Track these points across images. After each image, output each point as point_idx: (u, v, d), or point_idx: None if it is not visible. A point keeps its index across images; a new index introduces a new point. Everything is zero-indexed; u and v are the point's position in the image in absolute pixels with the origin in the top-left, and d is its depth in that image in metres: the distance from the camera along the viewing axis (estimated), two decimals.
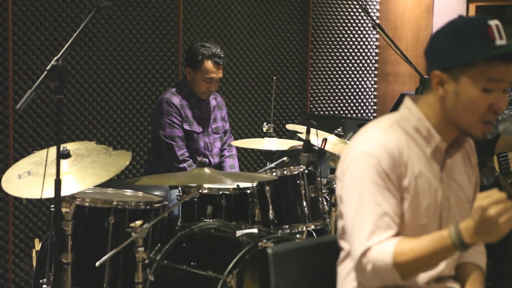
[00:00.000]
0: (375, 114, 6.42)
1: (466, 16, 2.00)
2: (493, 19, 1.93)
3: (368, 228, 1.90)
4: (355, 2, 6.07)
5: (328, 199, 3.80)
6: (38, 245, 3.59)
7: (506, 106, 1.98)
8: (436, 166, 2.02)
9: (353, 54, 6.24)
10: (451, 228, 1.80)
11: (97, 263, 2.94)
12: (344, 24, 6.15)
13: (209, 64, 4.34)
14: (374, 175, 1.92)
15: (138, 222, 2.91)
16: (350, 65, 6.24)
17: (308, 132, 3.57)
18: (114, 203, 3.25)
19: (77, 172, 2.99)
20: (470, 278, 2.10)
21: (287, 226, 3.50)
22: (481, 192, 1.76)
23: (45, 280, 3.20)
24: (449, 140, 2.04)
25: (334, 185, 3.76)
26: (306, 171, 3.53)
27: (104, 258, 2.95)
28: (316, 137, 3.61)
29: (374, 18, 6.26)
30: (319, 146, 3.55)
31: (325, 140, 3.50)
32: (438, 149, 2.02)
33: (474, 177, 2.17)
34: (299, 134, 4.05)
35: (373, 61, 6.38)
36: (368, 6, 6.24)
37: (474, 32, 1.90)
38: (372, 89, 6.41)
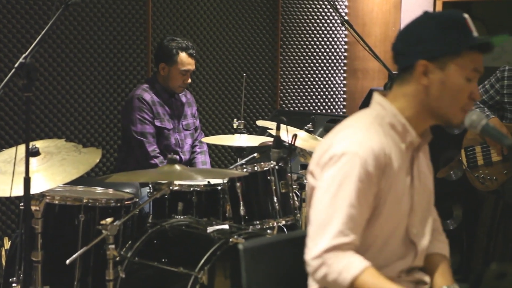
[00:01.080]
0: (344, 110, 6.46)
1: (433, 11, 2.05)
2: (463, 12, 2.01)
3: (337, 226, 1.91)
4: None
5: (299, 194, 3.82)
6: (7, 244, 3.56)
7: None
8: (408, 160, 2.06)
9: (323, 50, 6.27)
10: None
11: (67, 261, 2.93)
12: (313, 21, 6.18)
13: (184, 56, 4.38)
14: (357, 176, 1.93)
15: (109, 220, 2.90)
16: (320, 61, 6.27)
17: (278, 128, 3.59)
18: (84, 201, 3.24)
19: (47, 170, 2.97)
20: (439, 269, 2.13)
21: (258, 222, 3.52)
22: None
23: (15, 278, 3.17)
24: (420, 133, 2.07)
25: (305, 181, 3.78)
26: (276, 167, 3.55)
27: (74, 256, 2.94)
28: (286, 133, 3.63)
29: (343, 14, 6.30)
30: (289, 142, 3.56)
31: (295, 136, 3.52)
32: (411, 144, 2.05)
33: (431, 168, 2.21)
34: (269, 130, 4.07)
35: (342, 57, 6.42)
36: (336, 3, 6.27)
37: (456, 24, 1.97)
38: (342, 85, 6.45)
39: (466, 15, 1.99)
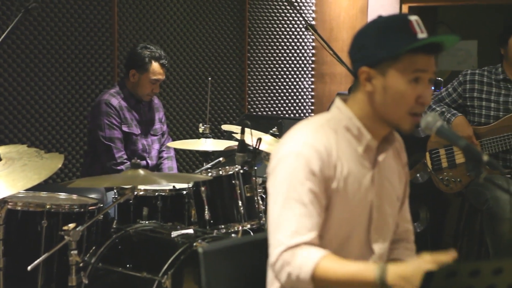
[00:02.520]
0: (312, 114, 6.49)
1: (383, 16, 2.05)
2: (412, 15, 1.99)
3: (291, 227, 1.91)
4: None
5: (264, 198, 3.82)
6: None
7: (431, 100, 2.04)
8: (367, 164, 2.06)
9: (290, 54, 6.29)
10: (379, 266, 1.80)
11: (28, 267, 2.90)
12: (280, 25, 6.20)
13: (156, 66, 4.36)
14: (303, 175, 1.94)
15: (71, 225, 2.88)
16: (287, 65, 6.29)
17: (242, 132, 3.59)
18: (47, 207, 3.22)
19: (8, 175, 2.94)
20: None
21: (223, 226, 3.52)
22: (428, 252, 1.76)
23: None
24: (380, 138, 2.07)
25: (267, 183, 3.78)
26: (241, 171, 3.55)
27: (35, 262, 2.91)
28: (251, 137, 3.63)
29: (310, 19, 6.33)
30: (254, 146, 3.57)
31: (259, 140, 3.52)
32: (369, 147, 2.05)
33: (404, 175, 2.21)
34: (234, 135, 4.07)
35: (310, 62, 6.45)
36: (304, 7, 6.30)
37: (396, 27, 1.96)
38: (310, 89, 6.48)
39: (413, 17, 1.96)
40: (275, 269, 1.93)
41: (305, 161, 1.94)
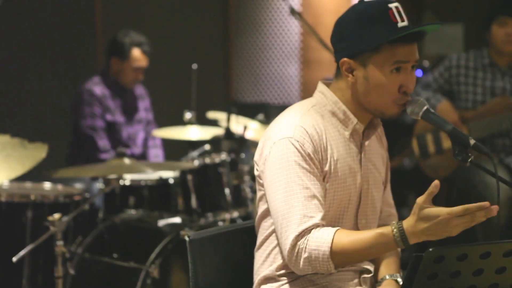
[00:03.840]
0: (299, 100, 6.47)
1: (363, 2, 2.02)
2: (392, 1, 1.96)
3: (299, 212, 1.90)
4: None
5: (251, 185, 3.81)
6: None
7: (417, 85, 2.03)
8: (354, 148, 2.05)
9: (277, 40, 6.27)
10: (394, 227, 1.81)
11: (14, 259, 2.88)
12: (267, 10, 6.17)
13: (137, 52, 4.31)
14: (299, 159, 1.93)
15: (56, 216, 2.86)
16: (273, 51, 6.26)
17: (228, 120, 3.58)
18: (32, 197, 3.19)
19: None
20: (385, 259, 2.14)
21: (210, 214, 3.50)
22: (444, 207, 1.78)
23: None
24: (365, 122, 2.07)
25: (255, 171, 3.77)
26: (227, 159, 3.53)
27: (21, 253, 2.89)
28: (237, 125, 3.62)
29: (296, 4, 6.30)
30: (240, 133, 3.56)
31: (245, 127, 3.51)
32: (355, 131, 2.05)
33: (386, 159, 2.21)
34: (220, 122, 4.06)
35: (296, 48, 6.43)
36: None
37: (376, 17, 1.93)
38: (296, 75, 6.46)
39: (392, 5, 1.94)
40: (291, 258, 1.92)
41: (298, 144, 1.94)
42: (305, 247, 1.89)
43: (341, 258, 1.88)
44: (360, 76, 1.97)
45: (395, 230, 1.81)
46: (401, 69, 1.95)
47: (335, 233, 1.88)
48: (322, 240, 1.87)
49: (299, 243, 1.89)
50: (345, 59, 1.97)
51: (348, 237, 1.88)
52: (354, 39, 1.95)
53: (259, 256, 2.09)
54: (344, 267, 1.99)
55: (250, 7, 6.07)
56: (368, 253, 1.90)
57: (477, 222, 1.77)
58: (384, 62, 1.94)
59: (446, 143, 4.20)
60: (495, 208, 1.74)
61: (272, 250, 2.05)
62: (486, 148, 1.92)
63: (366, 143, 2.07)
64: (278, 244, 2.01)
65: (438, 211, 1.77)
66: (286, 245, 1.91)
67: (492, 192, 3.88)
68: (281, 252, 1.98)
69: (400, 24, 1.92)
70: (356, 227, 2.07)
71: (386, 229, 1.83)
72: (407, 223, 1.80)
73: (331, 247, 1.86)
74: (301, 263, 1.90)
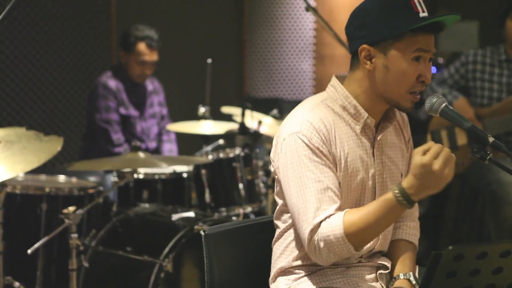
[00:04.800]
0: None
1: None
2: None
3: (313, 206, 1.91)
4: None
5: (265, 181, 3.81)
6: None
7: (433, 81, 2.03)
8: (367, 142, 2.04)
9: (291, 36, 6.25)
10: (395, 190, 1.83)
11: (28, 251, 2.89)
12: (281, 6, 6.15)
13: (142, 46, 4.28)
14: (308, 152, 1.94)
15: (71, 208, 2.86)
16: (287, 47, 6.25)
17: (243, 115, 3.57)
18: (47, 190, 3.20)
19: (7, 159, 2.91)
20: (401, 256, 2.13)
21: (224, 209, 3.50)
22: (417, 147, 1.79)
23: None
24: (379, 116, 2.06)
25: (271, 167, 3.77)
26: (241, 154, 3.53)
27: (35, 246, 2.89)
28: (251, 120, 3.61)
29: (310, 0, 6.28)
30: (255, 128, 3.55)
31: (260, 122, 3.50)
32: (367, 126, 2.04)
33: (408, 150, 2.20)
34: (234, 117, 4.05)
35: (310, 43, 6.41)
36: None
37: (398, 6, 1.94)
38: (310, 71, 6.45)
39: None
40: (312, 252, 1.93)
41: (306, 139, 1.94)
42: (320, 237, 1.89)
43: (356, 236, 1.88)
44: (379, 63, 1.97)
45: (396, 191, 1.82)
46: (420, 59, 1.96)
47: (344, 215, 1.89)
48: (334, 224, 1.88)
49: (314, 236, 1.90)
50: (365, 45, 1.97)
51: (356, 214, 1.89)
52: (376, 26, 1.95)
53: (277, 248, 2.10)
54: (364, 245, 1.98)
55: (264, 2, 6.05)
56: (380, 223, 1.89)
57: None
58: (405, 50, 1.94)
59: (461, 140, 4.19)
60: None
61: (289, 243, 2.06)
62: (503, 145, 1.90)
63: (379, 137, 2.06)
64: (296, 239, 2.02)
65: (420, 159, 1.77)
66: (304, 238, 1.92)
67: (505, 189, 3.86)
68: (303, 247, 1.98)
69: (422, 14, 1.94)
70: None
71: (389, 195, 1.85)
72: (406, 182, 1.82)
73: (343, 229, 1.87)
74: (322, 253, 1.91)
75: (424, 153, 1.77)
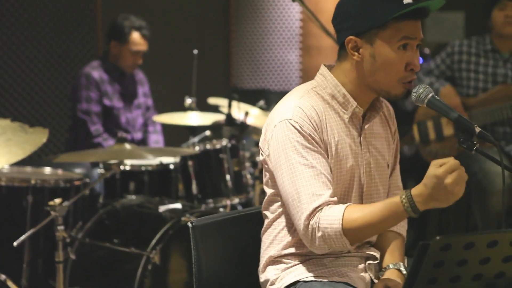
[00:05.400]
0: None
1: None
2: None
3: (307, 191, 1.91)
4: None
5: (252, 172, 3.80)
6: None
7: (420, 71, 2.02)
8: (354, 131, 2.05)
9: (277, 27, 6.24)
10: (403, 196, 1.81)
11: (14, 243, 2.87)
12: None
13: (136, 36, 4.27)
14: (300, 139, 1.94)
15: (57, 200, 2.85)
16: (274, 38, 6.24)
17: (229, 106, 3.56)
18: (32, 182, 3.18)
19: None
20: (390, 247, 2.13)
21: (211, 201, 3.50)
22: (435, 160, 1.78)
23: None
24: (365, 105, 2.06)
25: (258, 158, 3.77)
26: (228, 145, 3.52)
27: (21, 238, 2.88)
28: (238, 111, 3.60)
29: None
30: (241, 119, 3.54)
31: (246, 113, 3.50)
32: (355, 115, 2.04)
33: (393, 143, 2.20)
34: (220, 108, 4.04)
35: (297, 34, 6.40)
36: None
37: None
38: (296, 62, 6.44)
39: None
40: (307, 238, 1.92)
41: (298, 125, 1.94)
42: (318, 226, 1.89)
43: (354, 233, 1.88)
44: (366, 54, 1.97)
45: (404, 198, 1.80)
46: (408, 46, 1.95)
47: (345, 210, 1.88)
48: (333, 217, 1.88)
49: (311, 222, 1.90)
50: (351, 37, 1.97)
51: (358, 212, 1.88)
52: (361, 16, 1.95)
53: (266, 238, 2.10)
54: (361, 242, 2.00)
55: None
56: (380, 225, 1.89)
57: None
58: (391, 38, 1.94)
59: (447, 130, 4.20)
60: None
61: (279, 232, 2.06)
62: (490, 135, 1.90)
63: (366, 126, 2.06)
64: (287, 227, 2.02)
65: (434, 170, 1.76)
66: (300, 225, 1.92)
67: (490, 179, 3.88)
68: (297, 232, 1.98)
69: (406, 1, 1.93)
70: None
71: (395, 199, 1.83)
72: (415, 190, 1.80)
73: (342, 224, 1.87)
74: (317, 241, 1.91)
75: (441, 165, 1.75)
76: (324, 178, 1.93)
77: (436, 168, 1.75)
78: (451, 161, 1.76)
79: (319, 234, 1.89)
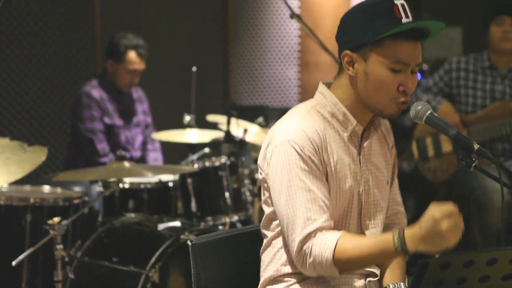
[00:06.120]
0: (298, 103, 6.46)
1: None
2: None
3: (302, 215, 1.90)
4: None
5: (251, 189, 3.80)
6: None
7: (415, 88, 2.01)
8: (353, 149, 2.04)
9: (276, 43, 6.26)
10: (395, 234, 1.80)
11: (13, 262, 2.86)
12: (265, 13, 6.16)
13: (132, 55, 4.27)
14: (299, 161, 1.93)
15: (56, 219, 2.84)
16: (273, 54, 6.26)
17: (228, 123, 3.57)
18: (31, 201, 3.18)
19: None
20: (391, 266, 2.13)
21: (210, 218, 3.49)
22: (435, 202, 1.76)
23: None
24: (365, 123, 2.06)
25: (257, 175, 3.77)
26: (227, 162, 3.52)
27: (20, 257, 2.87)
28: (237, 128, 3.60)
29: (295, 7, 6.29)
30: (240, 136, 3.54)
31: (245, 130, 3.50)
32: (354, 133, 2.04)
33: (391, 158, 2.19)
34: (219, 125, 4.04)
35: (295, 50, 6.42)
36: None
37: (380, 11, 1.92)
38: (295, 78, 6.45)
39: (398, 1, 1.92)
40: (299, 261, 1.93)
41: (298, 147, 1.93)
42: (310, 252, 1.89)
43: (344, 264, 1.88)
44: (360, 70, 1.96)
45: (395, 237, 1.79)
46: (401, 71, 1.94)
47: (338, 239, 1.88)
48: (326, 246, 1.88)
49: (304, 247, 1.90)
50: (347, 51, 1.97)
51: (351, 243, 1.87)
52: (358, 31, 1.94)
53: (265, 257, 2.10)
54: (350, 272, 1.99)
55: (248, 9, 6.06)
56: (371, 260, 1.90)
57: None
58: (384, 58, 1.92)
59: (446, 147, 4.20)
60: None
61: (277, 251, 2.05)
62: (488, 152, 1.91)
63: (365, 144, 2.06)
64: (285, 246, 2.02)
65: (432, 211, 1.74)
66: (293, 247, 1.92)
67: (489, 196, 3.88)
68: (290, 254, 1.98)
69: (404, 20, 1.91)
70: (360, 228, 2.07)
71: (388, 236, 1.82)
72: (408, 230, 1.78)
73: (333, 254, 1.86)
74: (307, 266, 1.91)
75: (439, 209, 1.74)
76: (321, 202, 1.92)
77: (435, 210, 1.73)
78: (450, 207, 1.74)
79: (310, 260, 1.89)
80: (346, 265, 1.88)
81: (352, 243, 1.87)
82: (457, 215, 1.74)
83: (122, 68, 4.28)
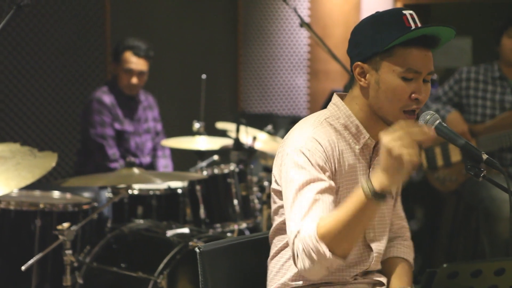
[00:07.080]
0: (307, 111, 6.48)
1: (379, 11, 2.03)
2: (407, 9, 1.97)
3: (303, 211, 1.89)
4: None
5: (260, 196, 3.80)
6: None
7: (428, 97, 2.01)
8: (364, 163, 2.05)
9: (285, 51, 6.27)
10: (363, 182, 1.79)
11: (22, 267, 2.88)
12: (275, 21, 6.18)
13: (128, 54, 4.26)
14: (310, 167, 1.93)
15: (65, 224, 2.86)
16: (282, 62, 6.27)
17: (237, 130, 3.58)
18: (41, 206, 3.19)
19: (1, 175, 2.90)
20: (396, 271, 2.13)
21: (218, 225, 3.50)
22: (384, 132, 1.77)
23: None
24: (377, 137, 2.05)
25: (265, 183, 3.77)
26: (236, 170, 3.53)
27: (29, 262, 2.88)
28: (246, 135, 3.62)
29: (305, 15, 6.31)
30: (249, 144, 3.55)
31: (254, 138, 3.51)
32: (366, 146, 2.04)
33: None
34: (228, 133, 4.05)
35: (304, 59, 6.43)
36: (297, 4, 6.28)
37: (389, 22, 1.94)
38: (304, 87, 6.46)
39: (407, 12, 1.94)
40: (294, 258, 1.89)
41: (309, 153, 1.94)
42: (300, 239, 1.85)
43: (328, 235, 1.81)
44: (372, 80, 1.97)
45: (363, 184, 1.78)
46: (413, 79, 1.94)
47: (318, 220, 1.85)
48: (309, 226, 1.85)
49: (296, 238, 1.86)
50: (358, 63, 1.98)
51: (329, 216, 1.85)
52: (368, 42, 1.96)
53: (273, 266, 2.10)
54: (340, 248, 1.85)
55: (258, 18, 6.08)
56: (353, 220, 1.81)
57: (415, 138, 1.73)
58: (396, 66, 1.93)
59: (455, 157, 4.20)
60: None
61: (285, 261, 2.06)
62: (497, 162, 1.90)
63: (376, 159, 2.06)
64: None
65: (382, 145, 1.75)
66: (290, 243, 1.90)
67: (498, 206, 3.87)
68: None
69: (414, 28, 1.92)
70: (365, 240, 2.07)
71: (357, 190, 1.81)
72: (374, 173, 1.79)
73: (316, 229, 1.82)
74: (300, 257, 1.85)
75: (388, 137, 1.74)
76: (324, 206, 1.90)
77: (384, 138, 1.74)
78: (396, 128, 1.75)
79: (300, 246, 1.85)
80: (330, 236, 1.81)
81: (330, 215, 1.85)
82: (406, 135, 1.73)
83: (120, 69, 4.29)
